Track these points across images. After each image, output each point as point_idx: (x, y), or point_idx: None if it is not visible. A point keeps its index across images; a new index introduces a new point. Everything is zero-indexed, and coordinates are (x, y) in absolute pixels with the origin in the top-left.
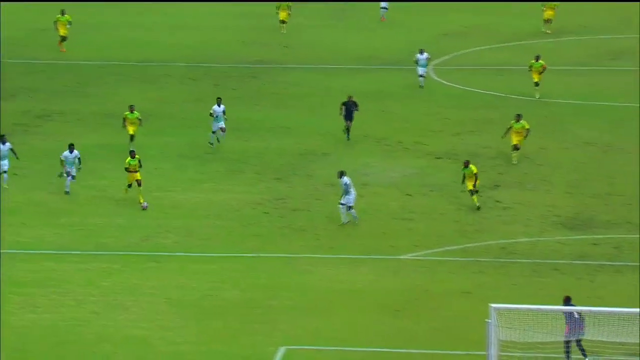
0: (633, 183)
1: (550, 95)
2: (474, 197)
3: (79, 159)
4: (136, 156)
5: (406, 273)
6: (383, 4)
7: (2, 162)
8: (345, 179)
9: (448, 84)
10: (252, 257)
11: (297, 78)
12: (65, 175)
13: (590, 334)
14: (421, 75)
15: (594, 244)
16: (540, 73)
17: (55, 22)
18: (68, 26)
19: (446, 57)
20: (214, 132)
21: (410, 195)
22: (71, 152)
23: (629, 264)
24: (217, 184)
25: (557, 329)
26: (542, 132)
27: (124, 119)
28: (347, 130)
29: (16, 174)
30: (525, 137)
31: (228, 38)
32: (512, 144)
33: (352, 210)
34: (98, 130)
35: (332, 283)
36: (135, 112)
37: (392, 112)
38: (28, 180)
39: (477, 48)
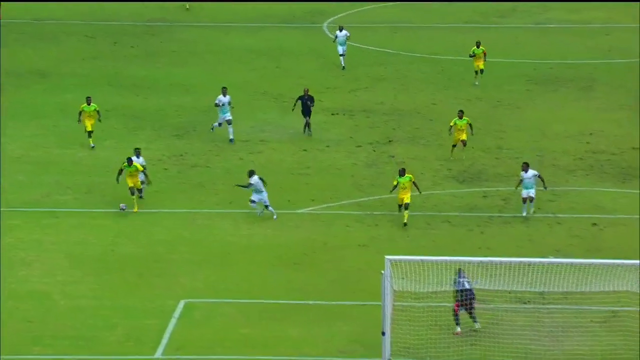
0: (522, 138)
1: (441, 52)
2: (405, 213)
3: (145, 173)
4: (134, 164)
5: (304, 227)
6: None
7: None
8: (256, 177)
9: None
10: (152, 212)
11: (195, 36)
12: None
13: (481, 284)
14: (342, 54)
15: (484, 197)
16: (483, 59)
17: None
18: None
19: (341, 14)
20: (219, 124)
21: (306, 150)
22: (138, 157)
23: (517, 215)
24: (116, 141)
25: (449, 279)
26: (434, 88)
27: (80, 112)
28: (307, 126)
29: None
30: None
31: None
32: (453, 143)
33: (270, 209)
34: None
35: (231, 237)
36: (92, 104)
37: (288, 69)
38: None
39: (372, 6)
